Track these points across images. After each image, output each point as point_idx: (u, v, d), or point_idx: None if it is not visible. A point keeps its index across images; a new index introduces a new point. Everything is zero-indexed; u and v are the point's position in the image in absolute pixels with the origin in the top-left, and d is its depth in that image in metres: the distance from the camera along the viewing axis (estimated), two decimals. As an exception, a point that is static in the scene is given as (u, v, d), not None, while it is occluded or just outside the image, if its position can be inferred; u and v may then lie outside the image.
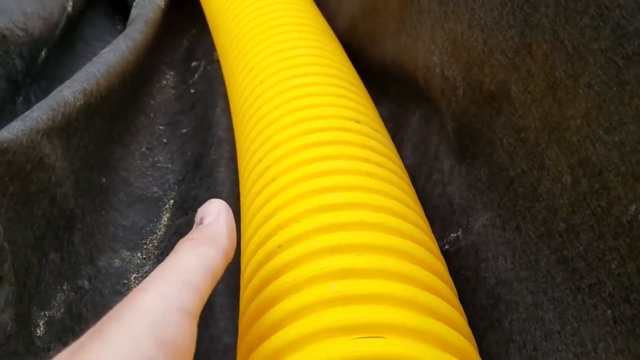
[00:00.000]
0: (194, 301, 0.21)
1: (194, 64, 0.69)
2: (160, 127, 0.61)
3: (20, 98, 0.54)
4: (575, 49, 0.26)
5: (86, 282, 0.45)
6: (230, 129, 0.58)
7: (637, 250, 0.26)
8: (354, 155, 0.35)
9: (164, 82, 0.67)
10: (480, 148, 0.38)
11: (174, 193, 0.55)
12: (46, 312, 0.40)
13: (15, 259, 0.37)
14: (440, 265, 0.33)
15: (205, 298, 0.22)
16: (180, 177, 0.55)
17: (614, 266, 0.27)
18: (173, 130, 0.60)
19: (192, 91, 0.66)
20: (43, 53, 0.56)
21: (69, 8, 0.64)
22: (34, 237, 0.39)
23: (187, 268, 0.22)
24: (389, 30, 0.50)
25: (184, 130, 0.61)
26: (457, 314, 0.29)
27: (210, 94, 0.63)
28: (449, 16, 0.37)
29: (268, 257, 0.31)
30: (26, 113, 0.39)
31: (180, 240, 0.25)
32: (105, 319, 0.20)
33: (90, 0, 0.70)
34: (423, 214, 0.37)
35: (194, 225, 0.26)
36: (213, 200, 0.27)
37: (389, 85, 0.53)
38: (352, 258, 0.28)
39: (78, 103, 0.44)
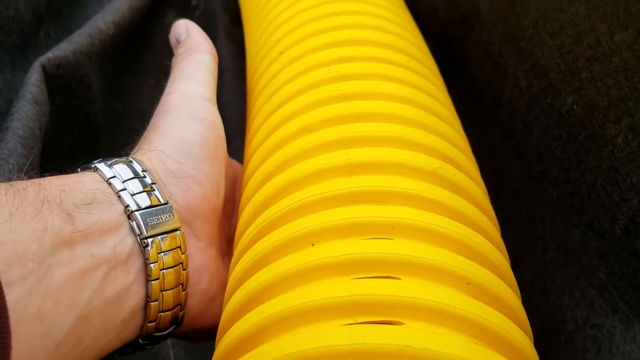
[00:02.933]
0: (208, 91, 0.29)
1: (193, 2, 0.74)
2: (166, 62, 0.67)
3: (42, 32, 0.60)
4: (527, -31, 0.31)
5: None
6: (232, 58, 0.63)
7: (574, 136, 0.31)
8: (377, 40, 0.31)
9: (166, 21, 0.72)
10: (456, 65, 0.43)
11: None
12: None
13: (51, 161, 0.43)
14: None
15: (214, 89, 0.29)
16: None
17: (558, 153, 0.33)
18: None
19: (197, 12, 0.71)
20: (59, -9, 0.61)
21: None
22: (70, 144, 0.46)
23: (190, 71, 0.29)
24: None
25: (187, 64, 0.67)
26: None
27: (210, 29, 0.68)
28: (432, -53, 0.42)
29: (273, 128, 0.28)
30: (69, 38, 0.45)
31: (173, 58, 0.31)
32: (153, 119, 0.28)
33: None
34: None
35: (174, 48, 0.32)
36: (177, 22, 0.33)
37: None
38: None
39: (111, 32, 0.50)
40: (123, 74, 0.63)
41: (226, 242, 0.28)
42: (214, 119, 0.27)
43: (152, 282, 0.22)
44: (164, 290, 0.22)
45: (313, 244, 0.21)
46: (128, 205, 0.22)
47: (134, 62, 0.66)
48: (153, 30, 0.71)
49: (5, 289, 0.16)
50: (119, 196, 0.22)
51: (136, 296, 0.22)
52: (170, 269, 0.22)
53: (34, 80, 0.39)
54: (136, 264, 0.22)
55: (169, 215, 0.22)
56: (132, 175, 0.22)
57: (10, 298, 0.16)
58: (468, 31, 0.40)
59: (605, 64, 0.27)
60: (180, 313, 0.24)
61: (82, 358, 0.19)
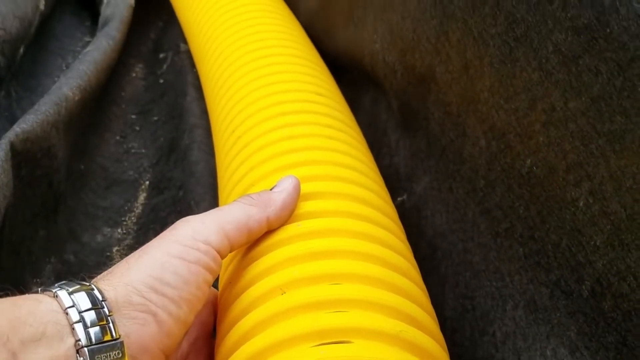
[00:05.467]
0: (222, 242, 0.27)
1: (161, 55, 0.74)
2: (133, 116, 0.66)
3: (2, 92, 0.59)
4: (479, 34, 0.32)
5: (71, 256, 0.50)
6: (201, 115, 0.63)
7: (536, 196, 0.32)
8: (316, 122, 0.40)
9: (134, 74, 0.72)
10: (419, 122, 0.44)
11: (149, 175, 0.60)
12: (38, 280, 0.45)
13: (13, 232, 0.42)
14: (399, 230, 0.36)
15: (235, 247, 0.28)
16: (154, 161, 0.61)
17: (521, 211, 0.34)
18: (145, 118, 0.65)
19: (161, 81, 0.71)
20: (21, 50, 0.60)
21: (42, 7, 0.68)
22: (31, 214, 0.44)
23: (228, 219, 0.28)
24: (340, 23, 0.56)
25: (155, 118, 0.66)
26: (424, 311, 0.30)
27: (179, 84, 0.68)
28: (386, 9, 0.43)
29: None
30: (35, 107, 0.45)
31: (244, 195, 0.30)
32: (149, 244, 0.26)
33: (60, -2, 0.74)
34: (377, 170, 0.42)
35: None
36: (290, 176, 0.31)
37: (342, 73, 0.59)
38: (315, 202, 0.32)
39: (76, 98, 0.49)
40: (87, 133, 0.62)
41: None
42: (206, 269, 0.26)
43: None
44: None
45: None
46: (79, 340, 0.21)
47: (99, 118, 0.65)
48: (120, 84, 0.71)
49: None
50: (73, 328, 0.22)
51: None
52: None
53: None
54: None
55: (118, 353, 0.22)
56: (90, 306, 0.22)
57: None
58: (426, 92, 0.40)
59: (561, 129, 0.28)
60: None
61: None
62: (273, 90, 0.44)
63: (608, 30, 0.24)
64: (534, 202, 0.32)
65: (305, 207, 0.31)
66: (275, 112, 0.41)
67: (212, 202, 0.54)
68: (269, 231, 0.30)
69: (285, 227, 0.30)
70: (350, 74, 0.58)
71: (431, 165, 0.44)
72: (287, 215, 0.30)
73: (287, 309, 0.25)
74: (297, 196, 0.31)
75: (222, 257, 0.27)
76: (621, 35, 0.23)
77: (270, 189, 0.31)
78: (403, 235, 0.36)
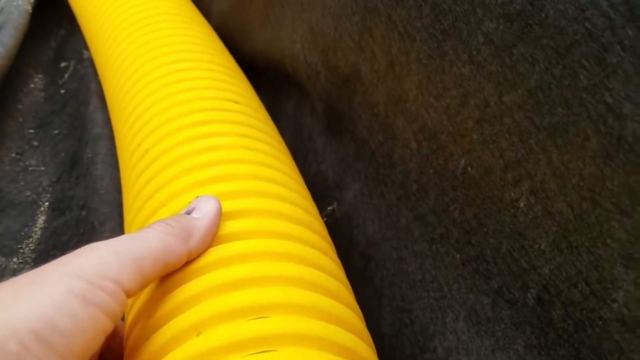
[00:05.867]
0: (136, 282, 0.22)
1: (63, 64, 0.68)
2: (30, 131, 0.60)
3: None
4: (405, 29, 0.30)
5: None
6: (106, 125, 0.58)
7: (471, 198, 0.30)
8: (232, 132, 0.37)
9: (32, 85, 0.66)
10: (345, 125, 0.41)
11: (48, 195, 0.55)
12: None
13: None
14: (326, 244, 0.35)
15: (147, 283, 0.23)
16: (54, 179, 0.56)
17: (456, 215, 0.32)
18: (44, 132, 0.60)
19: (63, 91, 0.66)
20: None
21: None
22: None
23: (143, 251, 0.23)
24: (256, 23, 0.53)
25: (56, 131, 0.61)
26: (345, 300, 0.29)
27: (82, 93, 0.63)
28: (305, 7, 0.40)
29: None
30: None
31: (159, 220, 0.25)
32: (56, 264, 0.21)
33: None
34: (301, 181, 0.39)
35: (181, 211, 0.27)
36: (210, 197, 0.27)
37: (262, 76, 0.55)
38: (239, 222, 0.28)
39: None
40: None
41: None
42: (109, 316, 0.21)
43: None
44: None
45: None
46: None
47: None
48: (16, 96, 0.64)
49: None
50: None
51: None
52: None
53: None
54: None
55: None
56: None
57: None
58: (351, 93, 0.38)
59: (496, 125, 0.26)
60: None
61: None
62: (183, 99, 0.40)
63: (543, 15, 0.22)
64: (470, 205, 0.30)
65: (224, 228, 0.28)
66: (186, 122, 0.37)
67: (119, 221, 0.49)
68: None
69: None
70: (269, 77, 0.54)
71: (360, 170, 0.41)
72: (209, 245, 0.26)
73: (203, 353, 0.21)
74: (219, 222, 0.27)
75: (130, 297, 0.23)
76: (558, 19, 0.21)
77: (186, 212, 0.27)
78: (333, 252, 0.33)
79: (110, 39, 0.51)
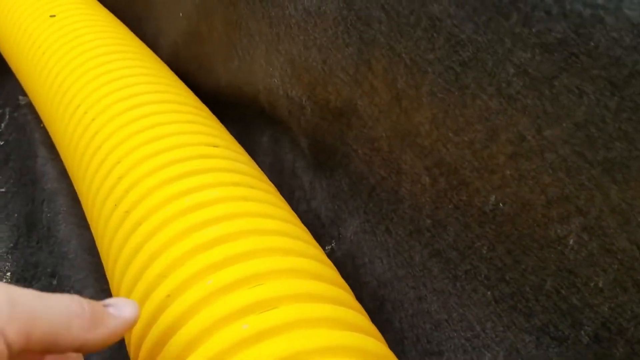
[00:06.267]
0: (18, 339, 0.20)
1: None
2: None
3: None
4: (412, 61, 0.27)
5: None
6: (61, 179, 0.54)
7: (504, 235, 0.28)
8: (223, 181, 0.34)
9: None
10: (337, 160, 0.39)
11: (9, 264, 0.50)
12: None
13: None
14: (335, 273, 0.33)
15: (29, 348, 0.20)
16: (12, 244, 0.51)
17: (484, 251, 0.30)
18: (-12, 191, 0.55)
19: (2, 143, 0.61)
20: None
21: None
22: None
23: (40, 314, 0.21)
24: (218, 55, 0.49)
25: (3, 190, 0.56)
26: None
27: (25, 144, 0.58)
28: (282, 38, 0.37)
29: (157, 313, 0.29)
30: None
31: (74, 296, 0.22)
32: None
33: None
34: (303, 226, 0.37)
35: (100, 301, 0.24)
36: (131, 302, 0.24)
37: (227, 110, 0.52)
38: (254, 290, 0.27)
39: None
40: None
41: None
42: None
43: None
44: None
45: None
46: None
47: None
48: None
49: None
50: None
51: None
52: None
53: None
54: None
55: None
56: None
57: None
58: (345, 127, 0.35)
59: (535, 160, 0.24)
60: None
61: None
62: (157, 149, 0.36)
63: (592, 45, 0.20)
64: (502, 242, 0.28)
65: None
66: (167, 176, 0.34)
67: (98, 287, 0.45)
68: None
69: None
70: (237, 111, 0.51)
71: (359, 206, 0.39)
72: (105, 345, 0.23)
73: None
74: (128, 330, 0.24)
75: (9, 352, 0.20)
76: (611, 48, 0.19)
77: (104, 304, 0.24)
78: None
79: (55, 85, 0.47)
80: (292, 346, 0.24)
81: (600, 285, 0.24)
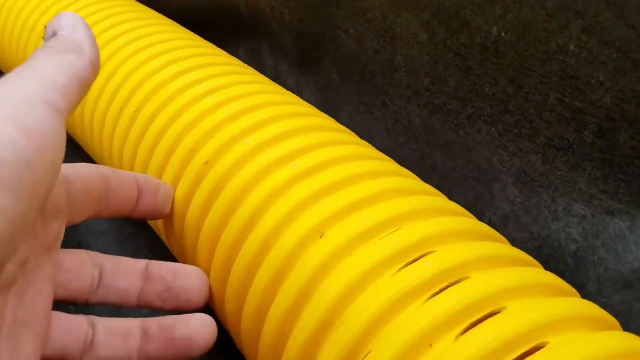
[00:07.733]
0: (62, 99, 0.19)
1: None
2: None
3: None
4: None
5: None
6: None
7: (506, 64, 0.31)
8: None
9: None
10: (325, 50, 0.41)
11: None
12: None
13: None
14: None
15: (74, 105, 0.20)
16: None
17: (487, 89, 0.33)
18: None
19: None
20: None
21: None
22: None
23: (50, 71, 0.20)
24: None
25: None
26: None
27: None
28: None
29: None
30: None
31: (37, 49, 0.21)
32: None
33: None
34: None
35: (44, 41, 0.22)
36: (63, 12, 0.23)
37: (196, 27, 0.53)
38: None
39: None
40: None
41: None
42: (49, 133, 0.18)
43: None
44: None
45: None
46: None
47: None
48: None
49: None
50: None
51: None
52: None
53: None
54: None
55: None
56: None
57: None
58: (335, 8, 0.37)
59: (534, -22, 0.27)
60: None
61: None
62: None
63: None
64: (505, 72, 0.31)
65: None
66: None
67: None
68: None
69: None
70: (205, 28, 0.52)
71: (351, 89, 0.41)
72: (97, 51, 0.22)
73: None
74: (90, 29, 0.22)
75: (65, 117, 0.19)
76: None
77: (51, 33, 0.22)
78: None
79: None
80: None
81: (601, 78, 0.27)
